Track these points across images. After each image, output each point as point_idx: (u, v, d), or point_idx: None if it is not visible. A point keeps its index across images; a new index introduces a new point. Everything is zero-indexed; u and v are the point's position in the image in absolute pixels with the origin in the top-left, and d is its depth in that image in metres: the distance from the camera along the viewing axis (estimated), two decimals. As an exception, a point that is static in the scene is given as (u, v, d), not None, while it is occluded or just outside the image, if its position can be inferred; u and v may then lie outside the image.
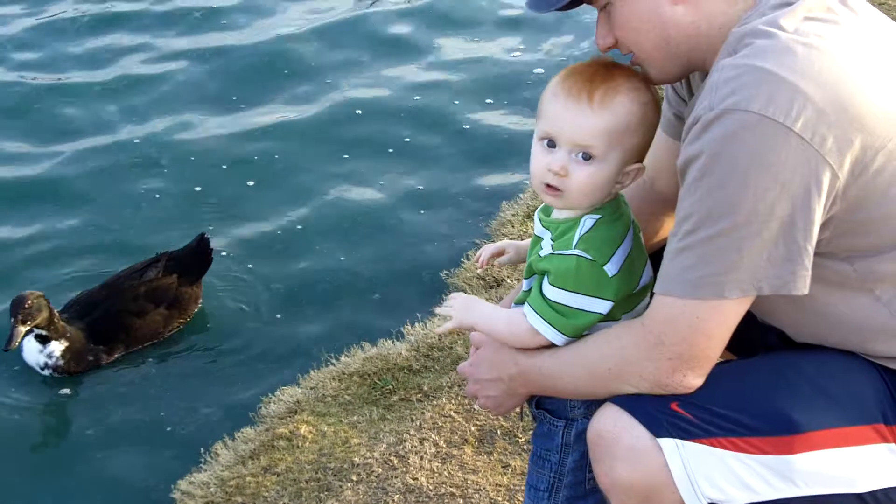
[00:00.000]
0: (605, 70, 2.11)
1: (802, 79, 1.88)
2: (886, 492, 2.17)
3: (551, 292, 2.13)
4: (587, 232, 2.13)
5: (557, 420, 2.29)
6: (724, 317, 2.02)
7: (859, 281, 2.07)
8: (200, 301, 4.28)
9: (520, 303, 2.29)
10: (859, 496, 2.16)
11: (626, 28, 2.11)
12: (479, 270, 2.55)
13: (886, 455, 2.13)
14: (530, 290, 2.22)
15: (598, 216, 2.15)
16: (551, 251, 2.15)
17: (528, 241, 2.50)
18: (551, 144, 2.11)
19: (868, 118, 1.90)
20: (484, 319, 2.29)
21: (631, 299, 2.20)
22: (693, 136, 1.95)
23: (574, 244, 2.12)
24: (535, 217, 2.28)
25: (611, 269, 2.13)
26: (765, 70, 1.89)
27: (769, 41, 1.94)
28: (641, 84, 2.14)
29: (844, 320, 2.13)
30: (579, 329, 2.15)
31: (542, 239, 2.21)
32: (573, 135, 2.09)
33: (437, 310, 2.46)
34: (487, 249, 2.59)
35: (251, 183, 5.18)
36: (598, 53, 2.20)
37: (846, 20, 2.01)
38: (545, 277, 2.15)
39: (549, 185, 2.12)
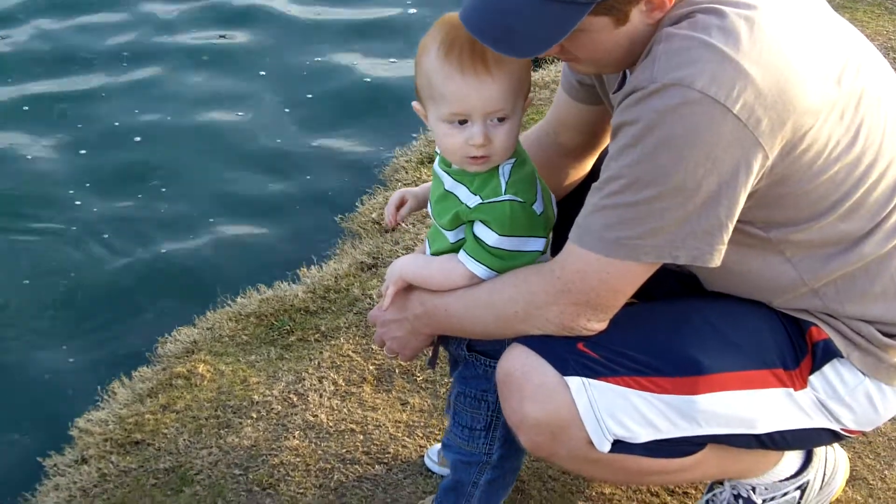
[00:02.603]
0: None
1: (746, 59, 1.90)
2: (783, 433, 2.27)
3: (491, 238, 2.18)
4: (510, 177, 2.18)
5: (494, 362, 2.33)
6: (634, 276, 2.08)
7: (773, 245, 2.15)
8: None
9: (439, 253, 2.34)
10: (757, 437, 2.26)
11: (595, 53, 2.10)
12: (390, 225, 2.55)
13: (784, 399, 2.23)
14: (457, 240, 2.27)
15: (513, 160, 2.21)
16: (481, 201, 2.18)
17: (423, 188, 2.54)
18: (462, 121, 2.14)
19: (801, 100, 1.95)
20: (414, 270, 2.33)
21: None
22: (631, 103, 1.97)
23: (503, 190, 2.16)
24: (439, 172, 2.30)
25: (538, 206, 2.20)
26: (711, 47, 1.91)
27: (711, 16, 1.95)
28: None
29: (754, 275, 2.21)
30: None
31: (454, 193, 2.24)
32: (485, 107, 2.11)
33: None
34: (390, 204, 2.59)
35: (138, 143, 5.13)
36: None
37: None
38: (476, 225, 2.20)
39: (473, 157, 2.16)
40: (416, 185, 4.25)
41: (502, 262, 2.20)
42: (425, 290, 2.34)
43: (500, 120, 2.14)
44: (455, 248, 2.28)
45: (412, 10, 6.36)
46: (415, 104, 2.27)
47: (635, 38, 2.05)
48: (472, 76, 2.08)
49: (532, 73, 5.16)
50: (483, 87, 2.09)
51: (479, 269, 2.22)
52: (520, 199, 2.17)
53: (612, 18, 1.99)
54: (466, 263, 2.23)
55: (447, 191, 2.26)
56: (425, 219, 3.99)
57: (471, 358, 2.39)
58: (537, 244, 2.22)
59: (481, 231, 2.20)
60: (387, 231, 4.06)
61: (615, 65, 2.15)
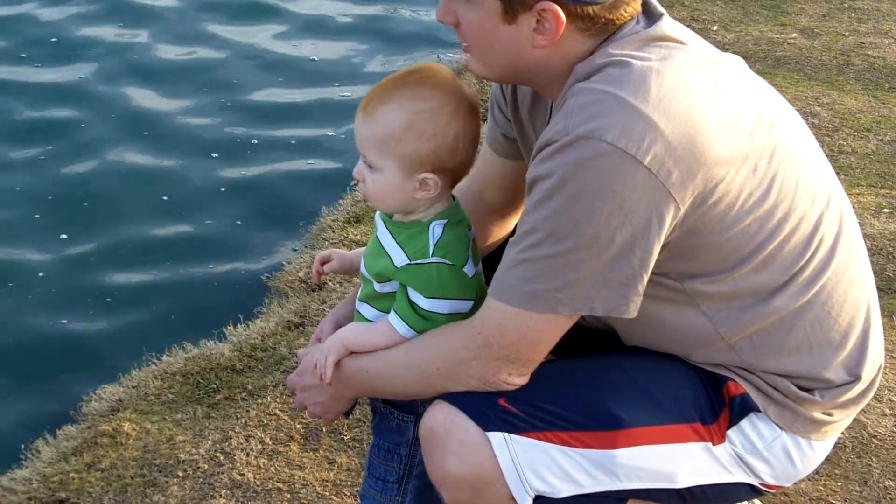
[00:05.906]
0: (395, 81, 2.20)
1: (656, 112, 1.96)
2: (703, 488, 2.29)
3: (422, 302, 2.21)
4: (440, 238, 2.21)
5: (407, 415, 2.38)
6: (554, 329, 2.11)
7: (687, 297, 2.19)
8: None
9: (364, 300, 2.36)
10: (677, 491, 2.28)
11: (476, 39, 2.15)
12: (314, 281, 2.58)
13: (703, 453, 2.26)
14: (384, 293, 2.29)
15: (445, 221, 2.24)
16: (408, 261, 2.21)
17: (354, 252, 2.58)
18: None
19: (711, 152, 2.00)
20: (357, 338, 2.32)
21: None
22: (545, 156, 2.02)
23: (431, 252, 2.20)
24: (378, 219, 2.34)
25: (469, 269, 2.24)
26: (621, 100, 1.97)
27: (623, 69, 2.01)
28: (427, 92, 2.19)
29: (670, 330, 2.25)
30: None
31: (382, 243, 2.27)
32: (358, 145, 2.21)
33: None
34: (316, 260, 2.63)
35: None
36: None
37: (691, 44, 2.12)
38: (408, 288, 2.22)
39: None
40: (344, 245, 4.31)
41: (434, 325, 2.22)
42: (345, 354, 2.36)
43: (370, 167, 2.21)
44: (381, 294, 2.30)
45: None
46: None
47: (519, 55, 2.11)
48: (357, 112, 2.20)
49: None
50: (358, 124, 2.20)
51: (403, 329, 2.24)
52: (447, 262, 2.20)
53: (502, 6, 2.06)
54: (397, 328, 2.24)
55: (377, 238, 2.29)
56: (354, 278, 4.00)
57: (385, 410, 2.42)
58: (465, 306, 2.24)
59: (414, 296, 2.22)
60: (314, 290, 4.08)
61: (494, 69, 2.20)
